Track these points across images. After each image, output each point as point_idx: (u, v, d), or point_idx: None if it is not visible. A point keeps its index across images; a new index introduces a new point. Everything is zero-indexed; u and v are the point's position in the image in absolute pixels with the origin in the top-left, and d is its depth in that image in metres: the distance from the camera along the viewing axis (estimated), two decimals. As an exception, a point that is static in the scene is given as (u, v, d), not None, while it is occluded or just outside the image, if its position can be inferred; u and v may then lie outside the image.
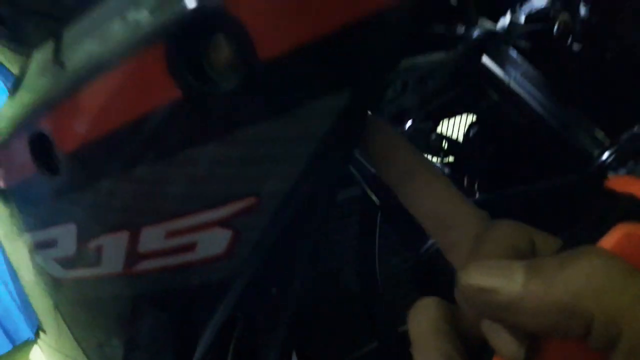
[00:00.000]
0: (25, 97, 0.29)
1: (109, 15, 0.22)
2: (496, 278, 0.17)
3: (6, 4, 0.36)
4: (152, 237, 0.24)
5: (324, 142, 0.19)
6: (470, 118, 0.66)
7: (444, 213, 0.22)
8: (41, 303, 0.46)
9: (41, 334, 0.55)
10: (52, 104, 0.25)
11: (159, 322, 0.36)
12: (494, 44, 0.49)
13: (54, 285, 0.36)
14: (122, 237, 0.25)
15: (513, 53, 0.50)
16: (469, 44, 0.47)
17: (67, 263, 0.30)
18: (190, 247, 0.24)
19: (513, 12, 0.51)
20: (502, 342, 0.17)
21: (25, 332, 2.39)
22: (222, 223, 0.22)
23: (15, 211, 0.36)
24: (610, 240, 0.16)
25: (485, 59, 0.49)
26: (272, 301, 0.37)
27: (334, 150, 0.20)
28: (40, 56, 0.31)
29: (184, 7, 0.18)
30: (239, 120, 0.20)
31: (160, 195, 0.23)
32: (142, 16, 0.20)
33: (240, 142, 0.20)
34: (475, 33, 0.47)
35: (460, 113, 0.68)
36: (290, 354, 0.45)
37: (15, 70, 0.37)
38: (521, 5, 0.54)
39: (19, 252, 0.42)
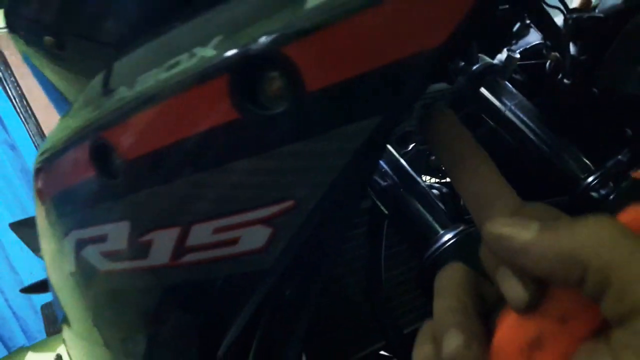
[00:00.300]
0: (86, 113, 0.34)
1: (177, 50, 0.27)
2: (514, 228, 0.20)
3: (54, 29, 0.41)
4: (200, 233, 0.29)
5: (354, 157, 0.24)
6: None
7: (485, 194, 0.24)
8: (70, 297, 0.50)
9: (65, 327, 0.59)
10: (118, 119, 0.30)
11: (185, 318, 0.40)
12: (492, 77, 0.54)
13: (91, 279, 0.40)
14: (173, 232, 0.30)
15: (508, 86, 0.56)
16: (469, 76, 0.52)
17: (115, 256, 0.35)
18: (233, 242, 0.28)
19: (509, 49, 0.56)
20: (512, 286, 0.20)
21: (20, 339, 2.40)
22: (264, 221, 0.27)
23: (60, 212, 0.41)
24: (624, 215, 0.19)
25: (483, 90, 0.54)
26: (293, 301, 0.41)
27: (362, 163, 0.25)
28: (99, 81, 0.35)
29: (248, 47, 0.23)
30: (284, 138, 0.24)
31: (212, 197, 0.27)
32: (208, 53, 0.25)
33: (284, 155, 0.25)
34: (475, 67, 0.52)
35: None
36: (301, 353, 0.49)
37: (70, 95, 0.42)
38: (516, 43, 0.59)
39: (54, 248, 0.46)
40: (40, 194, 0.43)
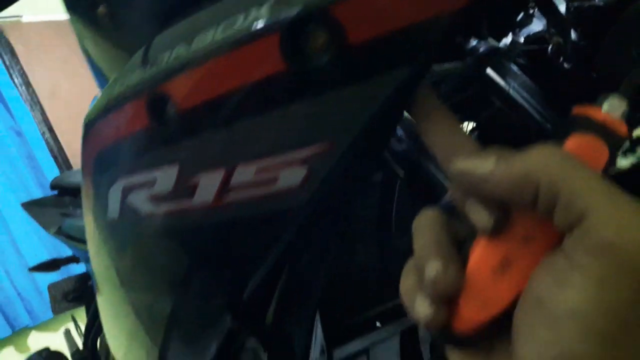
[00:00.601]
0: (140, 72, 0.38)
1: (233, 11, 0.31)
2: (474, 162, 0.22)
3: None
4: (244, 173, 0.33)
5: (384, 104, 0.28)
6: (470, 125, 0.76)
7: (451, 144, 0.27)
8: (103, 266, 0.54)
9: (98, 295, 0.63)
10: (176, 73, 0.34)
11: (217, 262, 0.44)
12: (498, 59, 0.58)
13: (133, 223, 0.44)
14: (219, 173, 0.34)
15: (513, 67, 0.60)
16: (477, 57, 0.56)
17: (161, 199, 0.39)
18: (273, 181, 0.33)
19: (514, 34, 0.60)
20: (478, 213, 0.23)
21: (25, 319, 2.45)
22: (301, 162, 0.31)
23: (107, 164, 0.44)
24: (567, 143, 0.23)
25: (490, 71, 0.59)
26: (313, 256, 0.45)
27: (390, 111, 0.29)
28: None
29: (298, 8, 0.28)
30: (325, 86, 0.29)
31: (258, 140, 0.32)
32: (262, 13, 0.29)
33: (324, 101, 0.29)
34: (482, 48, 0.57)
35: (462, 121, 0.78)
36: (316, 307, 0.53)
37: (110, 72, 0.46)
38: (520, 29, 0.63)
39: (97, 201, 0.50)
40: (88, 149, 0.48)
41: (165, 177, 0.37)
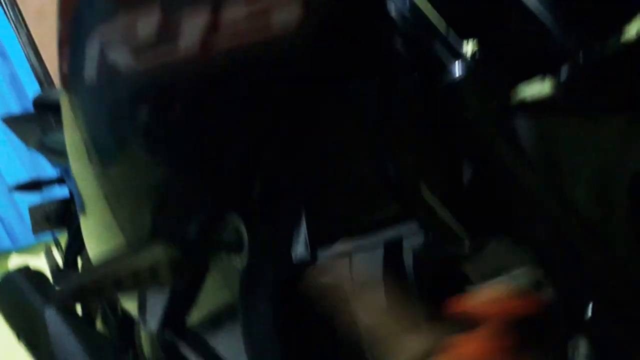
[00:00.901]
0: None
1: None
2: None
3: None
4: (233, 12, 0.30)
5: None
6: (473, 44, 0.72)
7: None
8: (88, 184, 0.51)
9: (82, 216, 0.61)
10: None
11: (194, 153, 0.41)
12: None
13: (113, 83, 0.40)
14: (205, 9, 0.31)
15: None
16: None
17: (144, 50, 0.35)
18: (265, 25, 0.29)
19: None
20: None
21: (5, 242, 2.44)
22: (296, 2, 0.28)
23: (84, 13, 0.40)
24: None
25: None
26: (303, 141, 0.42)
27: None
28: None
29: None
30: None
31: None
32: None
33: None
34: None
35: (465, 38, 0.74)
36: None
37: None
38: None
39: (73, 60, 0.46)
40: (63, 14, 0.44)
41: (147, 22, 0.34)
